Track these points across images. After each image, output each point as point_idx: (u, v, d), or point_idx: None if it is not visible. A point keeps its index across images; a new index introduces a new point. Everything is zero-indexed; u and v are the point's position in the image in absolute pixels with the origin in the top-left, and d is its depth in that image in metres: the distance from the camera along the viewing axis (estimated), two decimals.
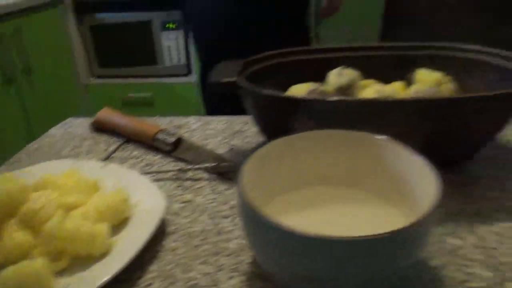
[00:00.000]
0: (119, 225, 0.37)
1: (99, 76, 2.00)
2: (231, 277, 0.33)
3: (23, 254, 0.32)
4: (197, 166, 0.47)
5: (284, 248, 0.25)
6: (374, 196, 0.34)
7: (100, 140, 0.56)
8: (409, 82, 0.50)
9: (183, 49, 1.87)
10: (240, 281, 0.32)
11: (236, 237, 0.37)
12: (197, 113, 0.92)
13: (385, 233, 0.24)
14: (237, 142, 0.55)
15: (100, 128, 0.58)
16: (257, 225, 0.26)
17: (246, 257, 0.34)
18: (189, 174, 0.47)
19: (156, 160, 0.51)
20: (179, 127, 0.60)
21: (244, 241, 0.36)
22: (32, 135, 1.16)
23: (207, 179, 0.46)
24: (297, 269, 0.26)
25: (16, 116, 1.56)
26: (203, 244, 0.36)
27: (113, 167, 0.45)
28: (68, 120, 0.63)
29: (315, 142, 0.34)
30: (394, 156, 0.32)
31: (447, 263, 0.33)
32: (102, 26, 1.88)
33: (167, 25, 1.84)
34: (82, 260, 0.33)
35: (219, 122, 0.60)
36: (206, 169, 0.47)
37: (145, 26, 1.86)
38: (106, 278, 0.30)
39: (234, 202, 0.42)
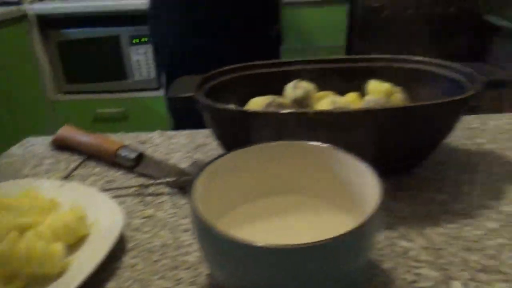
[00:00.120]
0: (76, 243, 0.37)
1: (67, 92, 1.96)
2: None
3: None
4: (158, 181, 0.47)
5: (232, 258, 0.26)
6: (327, 204, 0.36)
7: (61, 158, 0.56)
8: (363, 93, 0.52)
9: (153, 63, 1.87)
10: None
11: (195, 250, 0.37)
12: (169, 126, 0.92)
13: (328, 239, 0.25)
14: (200, 155, 0.55)
15: (61, 146, 0.58)
16: (206, 236, 0.27)
17: (205, 269, 0.35)
18: (151, 189, 0.48)
19: (118, 176, 0.51)
20: (143, 142, 0.60)
21: None
22: None
23: (169, 194, 0.46)
24: (247, 279, 0.26)
25: None
26: (162, 258, 0.37)
27: (72, 185, 0.44)
28: (28, 139, 0.62)
29: (267, 154, 0.35)
30: (342, 164, 0.34)
31: (398, 265, 0.35)
32: (69, 42, 1.86)
33: (135, 40, 1.83)
34: (38, 281, 0.33)
35: (182, 136, 0.61)
36: (168, 184, 0.47)
37: (114, 41, 1.84)
38: None
39: None
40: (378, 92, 0.49)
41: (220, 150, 0.56)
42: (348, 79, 0.54)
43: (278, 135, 0.36)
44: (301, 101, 0.49)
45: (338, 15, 1.88)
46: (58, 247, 0.34)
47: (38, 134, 0.63)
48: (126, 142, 0.59)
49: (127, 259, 0.37)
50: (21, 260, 0.32)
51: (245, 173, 0.35)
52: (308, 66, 0.55)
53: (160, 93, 1.92)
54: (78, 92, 1.96)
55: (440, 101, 0.40)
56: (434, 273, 0.34)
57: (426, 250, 0.36)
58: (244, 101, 0.51)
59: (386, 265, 0.35)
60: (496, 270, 0.34)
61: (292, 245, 0.25)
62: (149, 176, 0.50)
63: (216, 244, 0.26)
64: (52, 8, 1.79)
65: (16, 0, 1.76)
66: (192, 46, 0.77)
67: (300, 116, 0.39)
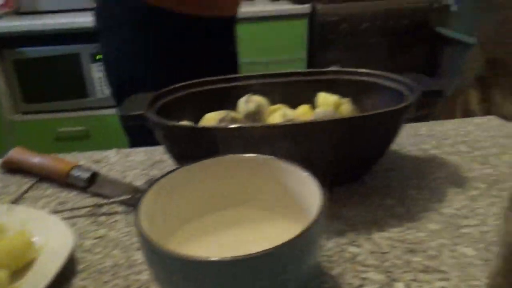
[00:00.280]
0: (24, 268, 0.36)
1: (26, 112, 1.90)
2: None
3: None
4: (112, 200, 0.47)
5: (177, 274, 0.26)
6: (276, 214, 0.37)
7: (11, 181, 0.54)
8: (314, 106, 0.54)
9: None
10: None
11: (147, 268, 0.37)
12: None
13: (270, 248, 0.26)
14: (156, 172, 0.55)
15: (12, 168, 0.56)
16: (150, 253, 0.27)
17: (157, 287, 0.35)
18: (105, 208, 0.47)
19: (71, 197, 0.50)
20: (98, 161, 0.59)
21: None
22: None
23: (123, 212, 0.46)
24: None
25: None
26: (114, 279, 0.36)
27: (21, 208, 0.43)
28: None
29: (216, 169, 0.36)
30: (287, 175, 0.35)
31: (346, 270, 0.36)
32: (26, 61, 1.81)
33: (96, 57, 1.81)
34: None
35: (138, 154, 0.61)
36: (122, 202, 0.47)
37: (74, 58, 1.81)
38: None
39: None
40: (327, 104, 0.51)
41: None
42: (300, 92, 0.56)
43: (229, 150, 0.37)
44: (253, 115, 0.50)
45: (299, 29, 1.93)
46: (2, 274, 0.33)
47: None
48: (81, 162, 0.58)
49: (77, 281, 0.36)
50: None
51: (195, 189, 0.36)
52: (261, 81, 0.57)
53: None
54: (38, 112, 1.90)
55: (383, 110, 0.42)
56: (379, 276, 0.35)
57: (373, 254, 0.38)
58: (199, 117, 0.52)
59: (335, 271, 0.36)
60: (436, 269, 0.35)
61: (235, 257, 0.25)
62: (103, 196, 0.49)
63: (159, 261, 0.27)
64: (7, 27, 1.74)
65: None
66: (144, 63, 0.77)
67: (248, 130, 0.39)
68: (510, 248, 0.30)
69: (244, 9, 1.88)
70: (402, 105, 0.42)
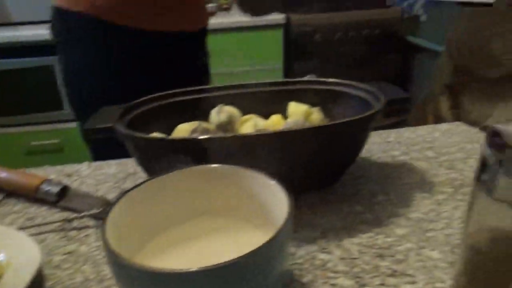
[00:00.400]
0: None
1: None
2: None
3: None
4: (82, 214, 0.46)
5: (141, 287, 0.26)
6: (246, 224, 0.37)
7: None
8: (286, 115, 0.54)
9: None
10: None
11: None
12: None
13: (235, 258, 0.26)
14: (129, 185, 0.55)
15: None
16: (115, 267, 0.27)
17: None
18: (75, 223, 0.46)
19: (40, 212, 0.49)
20: (69, 175, 0.58)
21: None
22: None
23: (94, 227, 0.46)
24: None
25: None
26: None
27: None
28: None
29: (185, 179, 0.36)
30: (255, 184, 0.35)
31: (316, 277, 0.37)
32: None
33: None
34: None
35: (111, 166, 0.60)
36: (93, 216, 0.46)
37: (47, 70, 1.78)
38: None
39: None
40: (297, 113, 0.52)
41: None
42: (271, 102, 0.56)
43: (200, 161, 0.37)
44: (225, 126, 0.51)
45: (275, 39, 1.96)
46: None
47: None
48: (51, 176, 0.57)
49: None
50: None
51: (164, 200, 0.36)
52: (233, 91, 0.57)
53: None
54: (9, 125, 1.85)
55: (347, 120, 0.43)
56: (348, 282, 0.36)
57: (343, 260, 0.38)
58: (171, 128, 0.52)
59: (306, 278, 0.36)
60: (403, 273, 0.36)
61: (202, 268, 0.25)
62: (74, 210, 0.48)
63: (125, 275, 0.27)
64: None
65: None
66: (106, 79, 0.76)
67: (218, 141, 0.40)
68: (471, 250, 0.31)
69: (220, 20, 1.90)
70: (368, 113, 0.43)
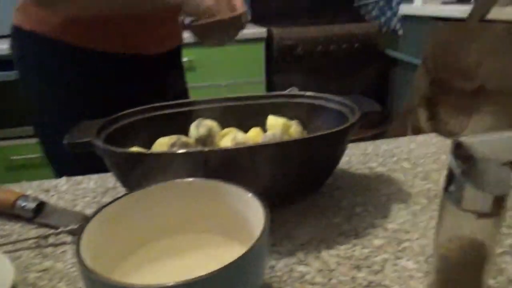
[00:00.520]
0: None
1: None
2: None
3: None
4: (58, 231, 0.45)
5: None
6: (225, 238, 0.37)
7: None
8: (265, 128, 0.55)
9: None
10: None
11: None
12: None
13: (211, 272, 0.26)
14: (108, 199, 0.54)
15: None
16: (89, 283, 0.27)
17: None
18: (52, 239, 0.46)
19: (16, 229, 0.48)
20: (47, 190, 0.57)
21: None
22: None
23: (70, 243, 0.45)
24: None
25: None
26: None
27: None
28: None
29: (162, 194, 0.36)
30: (233, 198, 0.35)
31: None
32: None
33: None
34: None
35: (91, 181, 0.59)
36: (69, 232, 0.46)
37: None
38: None
39: None
40: (275, 126, 0.52)
41: None
42: (251, 115, 0.57)
43: (178, 175, 0.37)
44: (204, 139, 0.51)
45: (256, 52, 1.98)
46: None
47: None
48: (29, 191, 0.57)
49: None
50: None
51: (142, 215, 0.35)
52: (213, 105, 0.58)
53: None
54: None
55: (323, 133, 0.44)
56: None
57: (321, 272, 0.39)
58: (151, 142, 0.52)
59: None
60: (379, 284, 0.37)
61: (178, 282, 0.25)
62: (50, 226, 0.48)
63: None
64: None
65: None
66: (66, 98, 0.75)
67: (195, 155, 0.40)
68: (442, 259, 0.32)
69: None
70: (344, 126, 0.44)
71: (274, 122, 0.53)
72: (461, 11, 1.42)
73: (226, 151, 0.42)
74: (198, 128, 0.51)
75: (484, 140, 0.25)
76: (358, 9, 2.44)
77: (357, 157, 0.63)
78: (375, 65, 2.03)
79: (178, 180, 0.36)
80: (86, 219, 0.47)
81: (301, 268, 0.39)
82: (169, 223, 0.37)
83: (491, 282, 0.36)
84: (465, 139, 0.25)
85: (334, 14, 2.19)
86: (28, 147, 1.84)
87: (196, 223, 0.37)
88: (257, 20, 2.22)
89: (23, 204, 0.49)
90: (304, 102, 0.57)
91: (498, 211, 0.27)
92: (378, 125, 1.68)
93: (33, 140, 1.83)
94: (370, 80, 2.03)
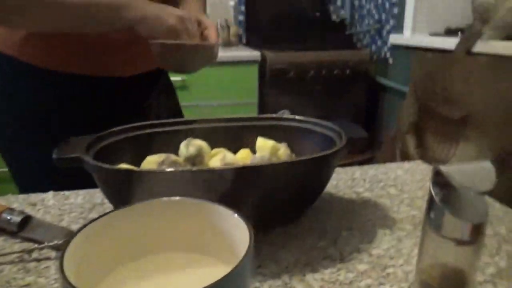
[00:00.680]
0: None
1: None
2: None
3: None
4: (42, 245, 0.45)
5: None
6: (209, 258, 0.37)
7: None
8: (254, 150, 0.56)
9: None
10: None
11: None
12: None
13: None
14: (95, 215, 0.54)
15: None
16: None
17: None
18: (35, 254, 0.45)
19: (0, 242, 0.48)
20: (33, 204, 0.57)
21: None
22: None
23: (54, 258, 0.45)
24: None
25: None
26: None
27: None
28: None
29: (148, 212, 0.36)
30: (220, 218, 0.36)
31: None
32: None
33: None
34: None
35: (78, 196, 0.59)
36: (54, 247, 0.45)
37: None
38: None
39: None
40: (264, 148, 0.53)
41: None
42: (241, 136, 0.58)
43: (165, 193, 0.38)
44: (193, 159, 0.51)
45: (250, 75, 2.01)
46: None
47: None
48: (14, 205, 0.56)
49: None
50: None
51: (127, 233, 0.35)
52: (203, 125, 0.58)
53: None
54: None
55: (310, 157, 0.45)
56: None
57: None
58: (141, 160, 0.52)
59: None
60: None
61: None
62: (35, 241, 0.47)
63: None
64: None
65: None
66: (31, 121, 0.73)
67: (183, 174, 0.41)
68: (423, 285, 0.32)
69: None
70: (332, 150, 0.45)
71: (263, 144, 0.54)
72: (448, 43, 1.47)
73: (215, 171, 0.43)
74: (188, 147, 0.52)
75: (462, 169, 0.26)
76: (350, 37, 2.50)
77: (345, 181, 0.64)
78: (365, 91, 2.07)
79: (165, 199, 0.36)
80: (71, 235, 0.47)
81: None
82: (154, 241, 0.37)
83: None
84: (443, 167, 0.26)
85: (327, 41, 2.24)
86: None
87: (182, 242, 0.37)
88: (251, 43, 2.26)
89: (9, 217, 0.49)
90: (293, 125, 0.58)
91: (477, 239, 0.28)
92: (367, 151, 1.70)
93: None
94: (360, 105, 2.06)
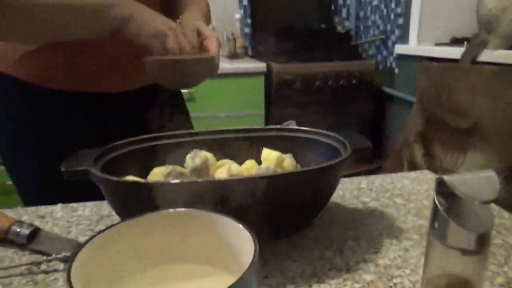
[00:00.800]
0: None
1: None
2: None
3: None
4: (50, 258, 0.45)
5: None
6: (215, 269, 0.37)
7: None
8: (260, 161, 0.56)
9: None
10: None
11: None
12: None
13: None
14: (102, 227, 0.55)
15: None
16: None
17: None
18: (44, 266, 0.46)
19: (9, 255, 0.48)
20: (42, 216, 0.58)
21: None
22: None
23: (62, 270, 0.45)
24: None
25: None
26: None
27: None
28: None
29: (154, 224, 0.36)
30: (225, 229, 0.36)
31: None
32: None
33: None
34: None
35: (86, 208, 0.60)
36: (62, 259, 0.46)
37: None
38: None
39: None
40: (270, 159, 0.53)
41: None
42: (247, 148, 0.58)
43: (172, 205, 0.38)
44: (199, 170, 0.52)
45: (256, 86, 2.02)
46: None
47: None
48: (24, 217, 0.57)
49: None
50: None
51: (134, 244, 0.36)
52: (209, 137, 0.59)
53: None
54: None
55: (315, 167, 0.45)
56: None
57: None
58: (147, 172, 0.53)
59: None
60: None
61: None
62: (43, 253, 0.48)
63: None
64: None
65: None
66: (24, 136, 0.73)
67: (188, 186, 0.41)
68: None
69: None
70: (336, 160, 0.45)
71: (268, 155, 0.54)
72: (454, 52, 1.47)
73: (221, 182, 0.43)
74: (194, 159, 0.52)
75: (465, 179, 0.26)
76: (355, 47, 2.51)
77: (351, 191, 0.64)
78: (371, 101, 2.07)
79: (172, 210, 0.36)
80: (79, 247, 0.47)
81: None
82: (161, 253, 0.37)
83: None
84: (447, 177, 0.26)
85: (332, 52, 2.25)
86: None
87: (188, 253, 0.37)
88: (257, 55, 2.28)
89: (18, 230, 0.49)
90: (298, 136, 0.59)
91: (482, 248, 0.28)
92: (374, 161, 1.70)
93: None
94: (366, 115, 2.06)
